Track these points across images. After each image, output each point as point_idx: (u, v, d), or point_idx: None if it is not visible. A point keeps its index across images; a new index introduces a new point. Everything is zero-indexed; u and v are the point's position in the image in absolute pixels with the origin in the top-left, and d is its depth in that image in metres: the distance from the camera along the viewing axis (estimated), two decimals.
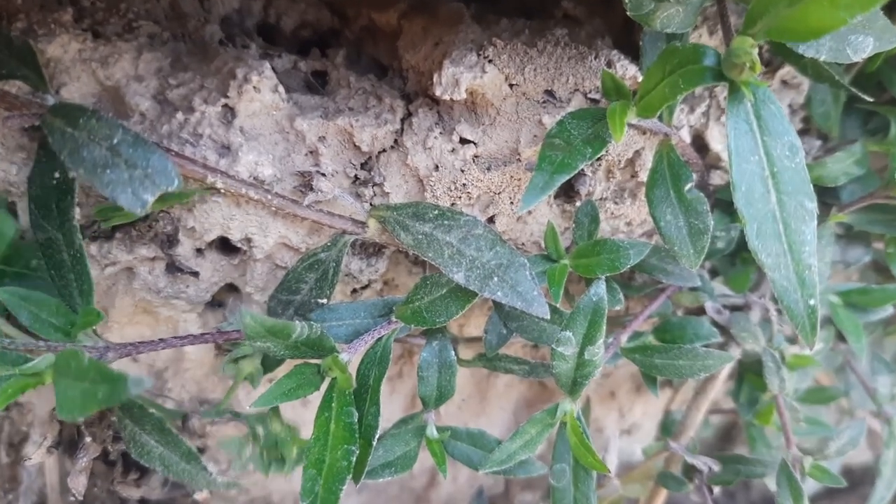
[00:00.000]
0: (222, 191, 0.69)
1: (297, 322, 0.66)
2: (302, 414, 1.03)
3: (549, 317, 0.68)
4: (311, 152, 0.74)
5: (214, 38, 0.76)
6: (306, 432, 0.79)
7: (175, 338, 0.71)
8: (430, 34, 0.77)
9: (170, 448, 0.69)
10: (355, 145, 0.75)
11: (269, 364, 0.83)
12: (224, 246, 0.78)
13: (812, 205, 0.60)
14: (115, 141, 0.59)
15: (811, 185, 0.61)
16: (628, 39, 0.79)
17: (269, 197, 0.70)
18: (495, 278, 0.67)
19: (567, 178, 0.65)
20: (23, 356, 0.64)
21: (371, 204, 0.77)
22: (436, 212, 0.71)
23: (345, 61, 0.81)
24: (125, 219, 0.69)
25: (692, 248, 0.73)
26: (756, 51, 0.59)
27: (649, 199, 0.74)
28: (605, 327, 0.72)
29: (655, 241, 0.88)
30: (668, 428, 1.02)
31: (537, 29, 0.77)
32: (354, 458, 0.67)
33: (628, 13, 0.64)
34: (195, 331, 0.84)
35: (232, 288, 0.83)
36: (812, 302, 0.60)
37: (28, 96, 0.65)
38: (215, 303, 0.84)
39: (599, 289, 0.72)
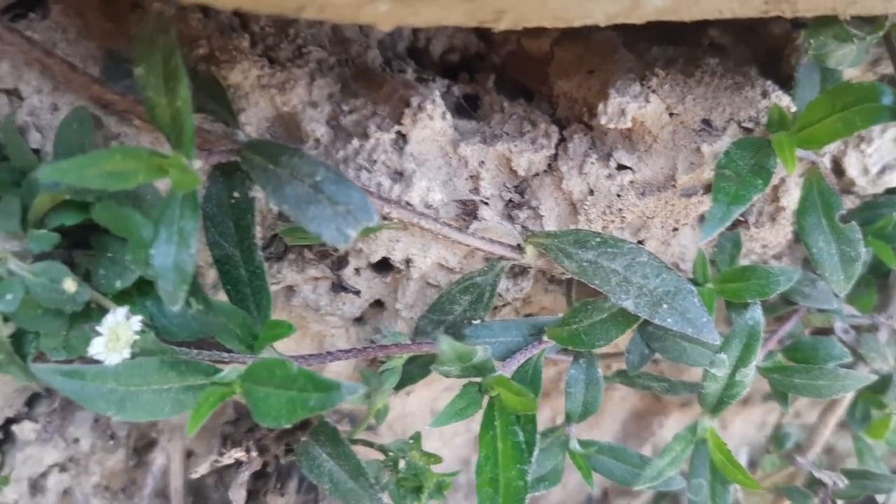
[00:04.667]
0: (396, 221, 0.71)
1: (477, 347, 0.68)
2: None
3: (718, 342, 0.70)
4: (471, 177, 0.76)
5: (376, 62, 0.78)
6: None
7: (341, 351, 0.73)
8: (584, 62, 0.79)
9: (339, 462, 0.71)
10: (511, 169, 0.77)
11: (410, 378, 0.86)
12: (379, 265, 0.80)
13: None
14: (318, 178, 0.61)
15: None
16: (772, 68, 0.81)
17: (439, 226, 0.72)
18: (665, 305, 0.69)
19: (743, 209, 0.67)
20: (213, 367, 0.66)
21: (523, 226, 0.79)
22: (598, 239, 0.73)
23: (494, 86, 0.82)
24: (313, 240, 0.71)
25: (843, 274, 0.75)
26: None
27: (801, 226, 0.76)
28: (759, 351, 0.74)
29: (785, 262, 0.91)
30: (781, 441, 1.05)
31: (689, 57, 0.79)
32: (529, 478, 0.69)
33: (809, 53, 0.66)
34: (342, 345, 0.86)
35: (377, 304, 0.85)
36: None
37: (219, 131, 0.67)
38: (359, 318, 0.87)
39: (755, 313, 0.74)
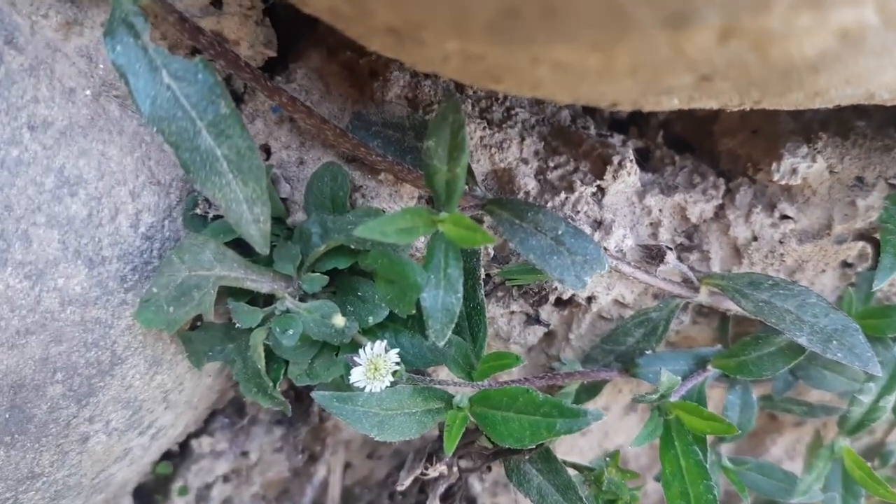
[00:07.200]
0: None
1: (679, 378, 0.78)
2: None
3: (881, 374, 0.80)
4: (651, 224, 0.86)
5: (566, 121, 0.87)
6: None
7: (535, 377, 0.83)
8: (748, 122, 0.89)
9: (549, 477, 0.80)
10: (685, 217, 0.87)
11: (579, 400, 0.95)
12: (561, 300, 0.90)
13: None
14: (559, 232, 0.70)
15: None
16: None
17: (632, 269, 0.82)
18: (834, 342, 0.79)
19: None
20: (447, 393, 0.76)
21: (690, 267, 0.89)
22: (770, 282, 0.83)
23: (664, 140, 0.92)
24: (526, 280, 0.81)
25: None
26: None
27: None
28: None
29: None
30: (886, 458, 1.15)
31: (839, 119, 0.89)
32: (717, 493, 0.79)
33: None
34: (516, 371, 0.95)
35: (547, 333, 0.95)
36: None
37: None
38: (532, 346, 0.96)
39: None
